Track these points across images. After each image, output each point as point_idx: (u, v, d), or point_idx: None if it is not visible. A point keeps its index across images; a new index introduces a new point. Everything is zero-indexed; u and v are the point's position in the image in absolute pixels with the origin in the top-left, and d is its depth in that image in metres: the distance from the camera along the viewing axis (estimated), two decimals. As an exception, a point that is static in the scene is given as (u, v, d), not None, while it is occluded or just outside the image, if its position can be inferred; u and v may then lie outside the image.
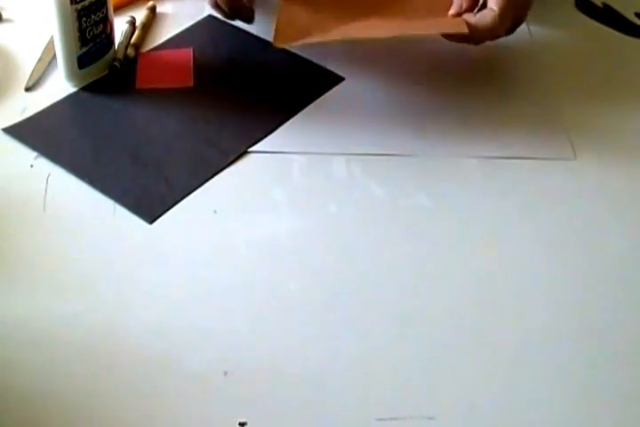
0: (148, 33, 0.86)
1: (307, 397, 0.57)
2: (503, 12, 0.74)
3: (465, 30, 0.74)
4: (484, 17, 0.74)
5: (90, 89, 0.78)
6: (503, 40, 0.81)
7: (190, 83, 0.80)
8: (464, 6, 0.76)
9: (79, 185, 0.70)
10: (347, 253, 0.66)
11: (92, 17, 0.75)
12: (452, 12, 0.76)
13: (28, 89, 0.78)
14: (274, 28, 0.77)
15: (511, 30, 0.78)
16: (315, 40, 0.76)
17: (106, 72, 0.80)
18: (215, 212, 0.69)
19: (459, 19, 0.76)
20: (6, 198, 0.69)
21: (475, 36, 0.75)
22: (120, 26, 0.83)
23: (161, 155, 0.73)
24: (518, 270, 0.66)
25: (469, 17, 0.75)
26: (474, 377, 0.59)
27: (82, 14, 0.74)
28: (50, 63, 0.81)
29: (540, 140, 0.76)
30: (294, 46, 0.79)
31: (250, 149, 0.74)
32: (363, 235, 0.68)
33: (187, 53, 0.83)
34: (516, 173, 0.73)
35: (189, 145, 0.74)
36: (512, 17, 0.75)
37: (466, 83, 0.82)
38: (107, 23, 0.77)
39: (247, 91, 0.80)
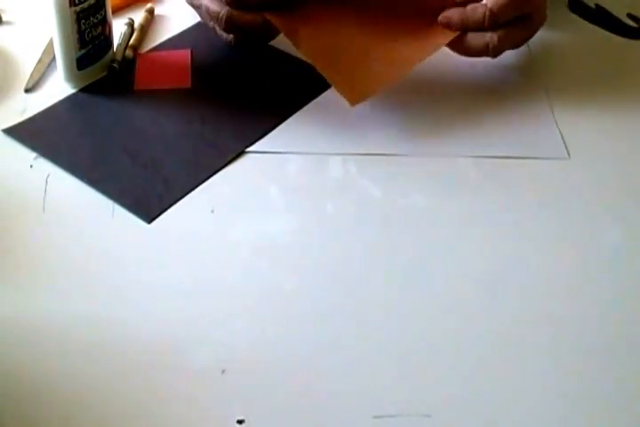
0: (146, 35, 0.86)
1: (304, 394, 0.57)
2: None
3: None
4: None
5: (89, 90, 0.79)
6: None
7: (188, 84, 0.80)
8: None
9: (78, 185, 0.70)
10: (344, 253, 0.67)
11: (91, 19, 0.75)
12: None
13: (27, 90, 0.79)
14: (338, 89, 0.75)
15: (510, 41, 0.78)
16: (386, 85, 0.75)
17: (104, 73, 0.80)
18: (213, 211, 0.69)
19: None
20: (6, 199, 0.69)
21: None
22: (118, 28, 0.84)
23: (159, 155, 0.73)
24: (514, 269, 0.66)
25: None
26: (471, 375, 0.59)
27: (81, 16, 0.74)
28: (49, 65, 0.81)
29: (534, 139, 0.77)
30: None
31: (247, 149, 0.74)
32: (359, 234, 0.68)
33: (185, 55, 0.83)
34: (510, 173, 0.73)
35: (187, 145, 0.74)
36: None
37: (460, 83, 0.82)
38: (105, 25, 0.78)
39: (244, 91, 0.80)
